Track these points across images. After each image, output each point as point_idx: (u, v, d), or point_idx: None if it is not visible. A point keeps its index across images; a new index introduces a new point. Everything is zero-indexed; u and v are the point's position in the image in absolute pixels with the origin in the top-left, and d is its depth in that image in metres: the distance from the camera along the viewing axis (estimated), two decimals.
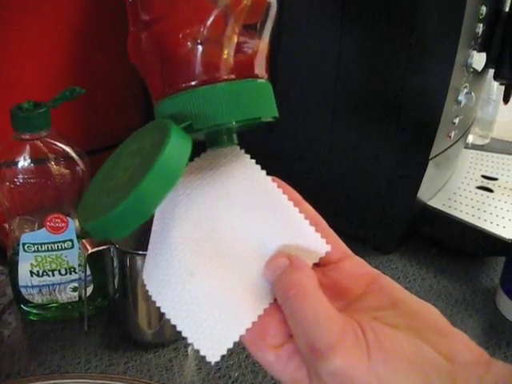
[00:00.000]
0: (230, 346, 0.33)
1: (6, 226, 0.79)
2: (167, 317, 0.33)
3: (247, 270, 0.35)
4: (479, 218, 0.79)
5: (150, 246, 0.36)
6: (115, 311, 0.67)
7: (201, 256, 0.34)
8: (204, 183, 0.36)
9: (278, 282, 0.34)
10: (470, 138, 1.15)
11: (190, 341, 0.33)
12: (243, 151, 0.38)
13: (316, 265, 0.37)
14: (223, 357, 0.33)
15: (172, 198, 0.35)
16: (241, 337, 0.33)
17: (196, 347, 0.33)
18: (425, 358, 0.31)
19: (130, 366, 0.63)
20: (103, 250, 0.61)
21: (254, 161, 0.38)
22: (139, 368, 0.63)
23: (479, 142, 1.16)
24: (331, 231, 0.38)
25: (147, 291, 0.35)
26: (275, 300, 0.34)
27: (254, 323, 0.33)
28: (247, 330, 0.33)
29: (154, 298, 0.34)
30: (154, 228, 0.37)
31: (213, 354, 0.32)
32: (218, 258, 0.35)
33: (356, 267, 0.37)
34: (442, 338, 0.33)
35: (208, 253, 0.35)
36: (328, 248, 0.36)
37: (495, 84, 1.11)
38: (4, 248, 0.77)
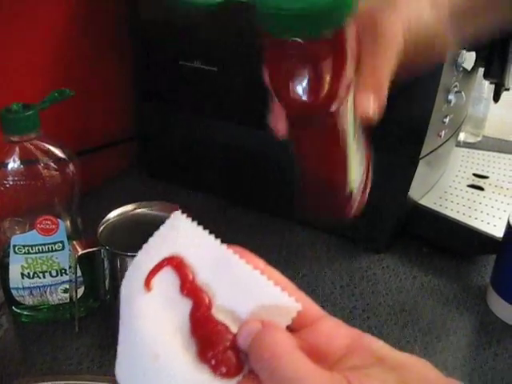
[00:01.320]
0: None
1: None
2: None
3: None
4: (470, 216, 0.80)
5: (119, 340, 0.35)
6: (106, 312, 0.67)
7: (165, 337, 0.33)
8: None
9: (252, 347, 0.32)
10: (462, 136, 1.15)
11: None
12: (195, 224, 0.36)
13: (290, 330, 0.34)
14: None
15: (133, 283, 0.35)
16: None
17: None
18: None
19: None
20: (94, 251, 0.61)
21: (206, 232, 0.36)
22: None
23: (471, 139, 1.17)
24: (302, 293, 0.36)
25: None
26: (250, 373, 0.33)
27: None
28: None
29: None
30: (120, 321, 0.35)
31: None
32: (183, 336, 0.33)
33: (333, 328, 0.35)
34: None
35: (173, 332, 0.33)
36: (299, 306, 0.34)
37: (486, 82, 1.11)
38: None
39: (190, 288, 0.34)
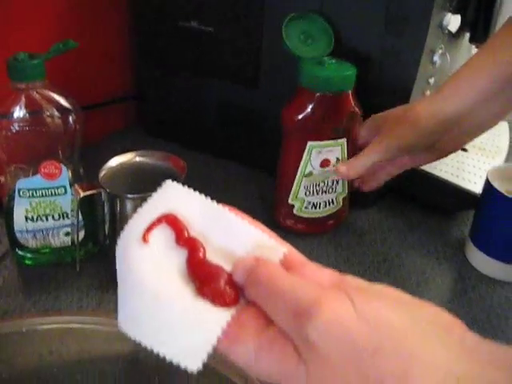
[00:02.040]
0: (209, 350, 0.33)
1: (2, 178, 0.83)
2: (146, 345, 0.34)
3: None
4: (452, 174, 0.83)
5: (118, 292, 0.37)
6: (105, 253, 0.71)
7: (164, 278, 0.35)
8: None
9: (249, 277, 0.35)
10: None
11: (168, 358, 0.33)
12: (185, 187, 0.39)
13: None
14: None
15: (129, 239, 0.37)
16: (218, 340, 0.33)
17: (176, 362, 0.33)
18: (409, 298, 0.33)
19: None
20: (94, 194, 0.64)
21: (197, 192, 0.39)
22: None
23: None
24: (285, 242, 0.39)
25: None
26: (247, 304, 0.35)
27: (228, 324, 0.33)
28: (223, 331, 0.33)
29: (130, 335, 0.35)
30: (118, 274, 0.37)
31: (192, 363, 0.33)
32: (182, 278, 0.36)
33: (316, 270, 0.36)
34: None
35: (171, 275, 0.36)
36: (285, 249, 0.37)
37: (473, 51, 1.15)
38: None
39: (185, 239, 0.37)
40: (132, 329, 0.35)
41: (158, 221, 0.37)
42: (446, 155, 0.74)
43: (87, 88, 0.89)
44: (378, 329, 0.30)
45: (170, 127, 1.00)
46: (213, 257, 0.37)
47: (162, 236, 0.37)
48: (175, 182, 0.39)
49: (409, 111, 0.69)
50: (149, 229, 0.37)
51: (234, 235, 0.38)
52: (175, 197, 0.39)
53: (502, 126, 1.00)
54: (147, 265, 0.35)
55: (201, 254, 0.37)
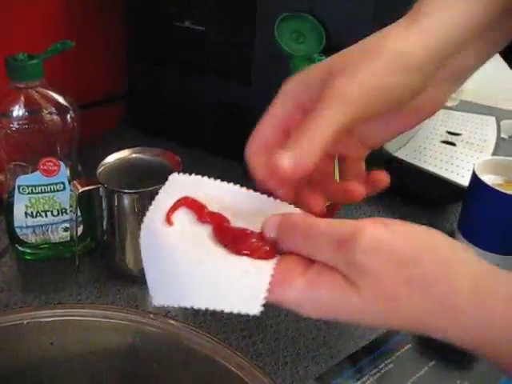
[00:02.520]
0: (264, 293, 0.34)
1: (1, 177, 0.85)
2: (200, 307, 0.35)
3: None
4: (441, 168, 0.85)
5: (147, 271, 0.39)
6: (104, 248, 0.73)
7: (202, 246, 0.37)
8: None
9: (282, 229, 0.37)
10: None
11: (227, 310, 0.34)
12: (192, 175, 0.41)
13: None
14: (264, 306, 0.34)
15: (153, 223, 0.39)
16: (269, 286, 0.34)
17: (237, 311, 0.34)
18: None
19: (118, 297, 0.69)
20: (93, 190, 0.66)
21: (205, 177, 0.41)
22: (127, 299, 0.69)
23: (448, 103, 1.22)
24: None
25: (144, 263, 0.39)
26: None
27: (274, 270, 0.35)
28: (271, 275, 0.35)
29: (176, 306, 0.36)
30: (146, 256, 0.39)
31: (253, 309, 0.34)
32: (213, 245, 0.38)
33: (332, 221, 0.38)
34: None
35: (204, 243, 0.38)
36: (299, 210, 0.40)
37: None
38: None
39: (206, 214, 0.39)
40: (178, 300, 0.36)
41: (178, 204, 0.39)
42: (426, 116, 0.49)
43: (82, 87, 0.90)
44: (414, 242, 0.34)
45: (163, 125, 1.02)
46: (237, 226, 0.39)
47: (185, 217, 0.39)
48: (181, 174, 0.41)
49: (377, 47, 0.42)
50: (170, 211, 0.39)
51: (251, 205, 0.40)
52: (185, 184, 0.41)
53: (490, 121, 1.03)
54: (179, 239, 0.37)
55: (226, 223, 0.39)
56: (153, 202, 0.40)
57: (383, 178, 0.45)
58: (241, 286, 0.35)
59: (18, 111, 0.65)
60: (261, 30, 0.83)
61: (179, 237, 0.37)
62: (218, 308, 0.35)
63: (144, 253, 0.39)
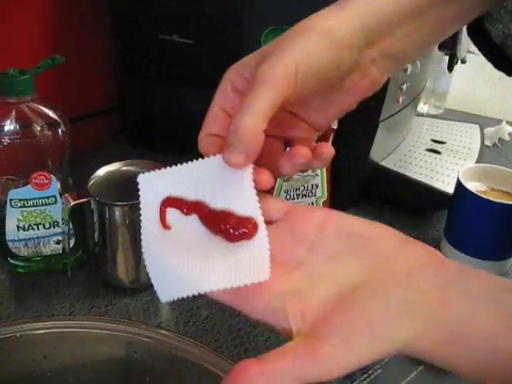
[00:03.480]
0: (268, 257, 0.37)
1: None
2: (211, 290, 0.37)
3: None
4: (427, 176, 0.87)
5: (151, 270, 0.40)
6: (95, 261, 0.74)
7: (200, 236, 0.39)
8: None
9: None
10: (425, 109, 1.23)
11: (241, 285, 0.36)
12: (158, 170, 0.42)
13: (269, 222, 0.40)
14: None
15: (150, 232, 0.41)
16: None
17: (248, 283, 0.36)
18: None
19: (110, 308, 0.70)
20: (85, 202, 0.67)
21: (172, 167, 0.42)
22: (119, 310, 0.69)
23: (433, 111, 1.24)
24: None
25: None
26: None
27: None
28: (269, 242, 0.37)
29: (185, 296, 0.38)
30: (146, 254, 0.41)
31: (263, 276, 0.36)
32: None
33: (307, 210, 0.41)
34: (399, 252, 0.37)
35: (202, 230, 0.40)
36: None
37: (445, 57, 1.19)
38: None
39: (187, 207, 0.40)
40: (184, 291, 0.38)
41: (163, 208, 0.41)
42: (362, 95, 0.47)
43: (72, 101, 0.91)
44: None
45: (152, 137, 1.03)
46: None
47: (173, 215, 0.41)
48: (146, 173, 0.42)
49: (305, 26, 0.42)
50: (162, 217, 0.41)
51: (216, 172, 0.40)
52: (156, 184, 0.42)
53: (474, 129, 1.05)
54: (179, 238, 0.40)
55: (206, 208, 0.40)
56: (141, 210, 0.41)
57: (328, 149, 0.43)
58: (245, 259, 0.37)
59: (9, 126, 0.66)
60: (247, 43, 0.84)
61: (179, 235, 0.40)
62: (229, 286, 0.36)
63: (147, 258, 0.40)
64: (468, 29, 0.55)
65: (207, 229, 0.39)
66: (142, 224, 0.41)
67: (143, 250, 0.40)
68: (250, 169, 0.39)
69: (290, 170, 0.42)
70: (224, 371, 0.62)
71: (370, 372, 0.60)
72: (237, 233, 0.38)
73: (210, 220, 0.39)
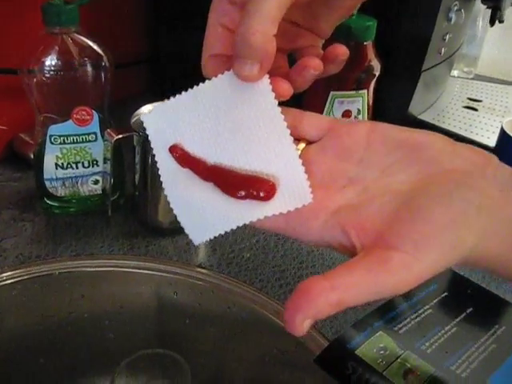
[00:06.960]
0: (307, 180, 0.35)
1: (23, 136, 0.84)
2: (252, 220, 0.35)
3: None
4: (466, 130, 0.86)
5: (178, 213, 0.38)
6: (134, 202, 0.73)
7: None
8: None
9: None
10: (455, 73, 1.22)
11: (283, 211, 0.35)
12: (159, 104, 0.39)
13: (311, 142, 0.39)
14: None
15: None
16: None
17: (293, 208, 0.35)
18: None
19: (150, 249, 0.68)
20: (126, 139, 0.66)
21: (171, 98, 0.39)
22: (159, 251, 0.68)
23: (464, 76, 1.23)
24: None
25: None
26: None
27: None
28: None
29: (218, 233, 0.37)
30: (170, 197, 0.39)
31: (303, 200, 0.35)
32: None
33: (349, 125, 0.38)
34: (452, 156, 0.36)
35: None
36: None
37: (480, 21, 1.17)
38: (22, 156, 0.82)
39: (187, 162, 0.38)
40: (219, 227, 0.36)
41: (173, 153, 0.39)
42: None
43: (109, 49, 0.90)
44: None
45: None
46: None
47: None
48: (147, 113, 0.40)
49: None
50: (179, 159, 0.38)
51: (234, 101, 0.37)
52: (162, 121, 0.39)
53: (509, 89, 1.03)
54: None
55: (203, 165, 0.37)
56: (154, 151, 0.40)
57: (342, 50, 0.40)
58: (284, 186, 0.35)
59: (52, 57, 0.64)
60: None
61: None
62: (271, 213, 0.35)
63: (172, 199, 0.39)
64: None
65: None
66: (158, 166, 0.39)
67: (165, 192, 0.39)
68: (266, 79, 0.35)
69: (301, 84, 0.39)
70: (270, 311, 0.61)
71: (420, 311, 0.59)
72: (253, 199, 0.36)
73: (224, 186, 0.37)
